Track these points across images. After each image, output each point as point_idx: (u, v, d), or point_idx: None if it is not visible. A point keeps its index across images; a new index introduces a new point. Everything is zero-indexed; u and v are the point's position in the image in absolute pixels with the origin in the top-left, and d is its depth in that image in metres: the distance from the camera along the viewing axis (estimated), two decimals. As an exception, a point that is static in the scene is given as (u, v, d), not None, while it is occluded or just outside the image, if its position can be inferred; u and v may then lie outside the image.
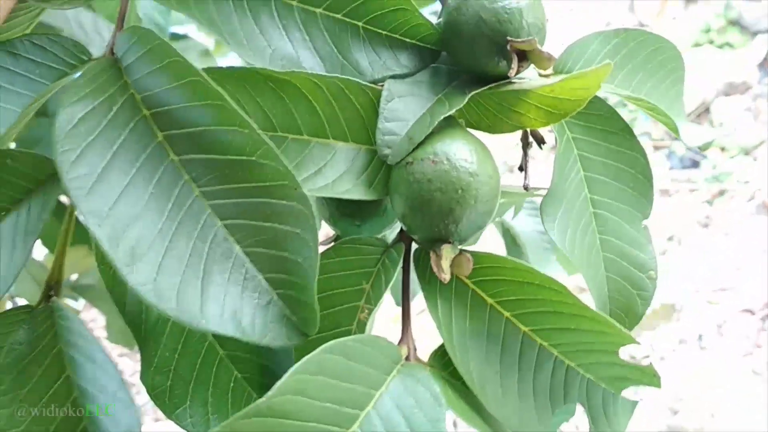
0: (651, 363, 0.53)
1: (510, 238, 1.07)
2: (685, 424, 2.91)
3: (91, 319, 3.40)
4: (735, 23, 4.57)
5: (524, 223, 1.04)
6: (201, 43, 1.42)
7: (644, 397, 3.07)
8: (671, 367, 3.18)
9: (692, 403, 2.99)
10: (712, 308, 3.40)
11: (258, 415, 0.41)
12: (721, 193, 4.00)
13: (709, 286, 3.53)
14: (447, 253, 0.50)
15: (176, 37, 1.38)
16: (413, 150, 0.51)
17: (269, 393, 0.41)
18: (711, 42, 4.54)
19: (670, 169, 4.24)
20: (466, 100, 0.51)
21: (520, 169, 0.64)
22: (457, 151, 0.50)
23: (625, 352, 0.54)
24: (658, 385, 0.53)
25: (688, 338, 3.30)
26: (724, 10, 4.59)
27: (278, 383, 0.42)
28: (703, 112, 4.39)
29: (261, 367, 0.56)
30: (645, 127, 4.37)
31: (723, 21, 4.56)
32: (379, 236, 0.61)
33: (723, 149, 4.20)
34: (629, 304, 0.63)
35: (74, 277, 1.48)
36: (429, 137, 0.51)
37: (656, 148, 4.36)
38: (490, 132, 0.56)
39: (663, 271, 3.42)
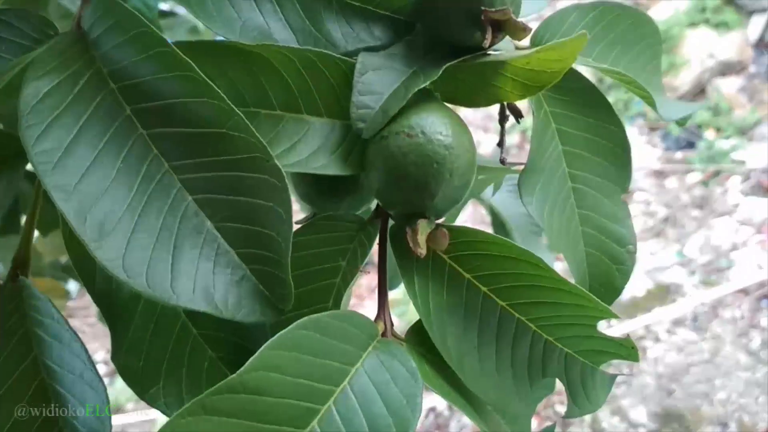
0: (628, 336, 0.52)
1: (498, 221, 1.06)
2: (680, 404, 2.92)
3: (86, 305, 3.40)
4: (731, 3, 4.57)
5: (512, 207, 1.04)
6: (190, 20, 1.40)
7: (639, 378, 3.08)
8: (666, 348, 3.19)
9: (687, 383, 3.00)
10: (708, 289, 3.40)
11: (230, 392, 0.40)
12: (717, 173, 4.00)
13: (704, 266, 3.53)
14: (423, 227, 0.49)
15: (165, 14, 1.37)
16: (388, 124, 0.50)
17: (242, 369, 0.41)
18: (707, 22, 4.53)
19: (665, 150, 4.24)
20: (441, 72, 0.50)
21: (499, 144, 0.63)
22: (433, 125, 0.50)
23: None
24: (636, 359, 0.53)
25: (683, 319, 3.31)
26: (720, -11, 4.59)
27: (251, 359, 0.41)
28: (698, 92, 4.38)
29: (236, 347, 0.55)
30: (640, 108, 4.37)
31: (719, 0, 4.54)
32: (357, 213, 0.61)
33: (718, 129, 4.20)
34: (608, 278, 0.63)
35: (64, 258, 1.48)
36: (404, 111, 0.50)
37: (651, 128, 4.35)
38: (466, 106, 0.56)
39: (658, 251, 3.43)
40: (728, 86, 4.35)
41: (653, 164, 4.14)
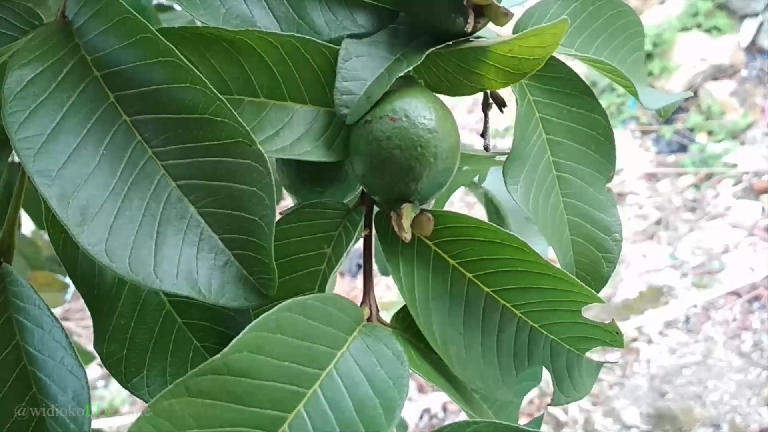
0: (613, 320, 0.53)
1: (492, 207, 1.04)
2: (672, 406, 2.92)
3: (82, 307, 3.39)
4: (722, 7, 4.58)
5: (507, 192, 1.02)
6: (188, 14, 1.39)
7: (632, 379, 3.08)
8: (659, 350, 3.19)
9: (680, 385, 3.00)
10: (699, 291, 3.41)
11: (214, 373, 0.40)
12: (709, 176, 4.01)
13: (697, 269, 3.54)
14: (407, 212, 0.50)
15: (162, 8, 1.36)
16: (372, 108, 0.50)
17: (225, 350, 0.41)
18: (699, 26, 4.54)
19: (657, 154, 4.24)
20: (423, 57, 0.50)
21: (482, 134, 0.63)
22: (416, 108, 0.50)
23: None
24: (621, 345, 0.53)
25: (676, 321, 3.31)
26: (712, -7, 4.60)
27: (234, 340, 0.41)
28: (690, 96, 4.39)
29: (221, 336, 0.55)
30: (633, 112, 4.38)
31: (711, 5, 4.56)
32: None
33: (710, 133, 4.21)
34: (595, 267, 0.63)
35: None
36: (388, 95, 0.50)
37: (644, 132, 4.36)
38: (449, 94, 0.56)
39: (650, 254, 3.43)
40: (720, 90, 4.36)
41: (646, 167, 4.15)
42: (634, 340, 3.25)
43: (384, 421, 0.42)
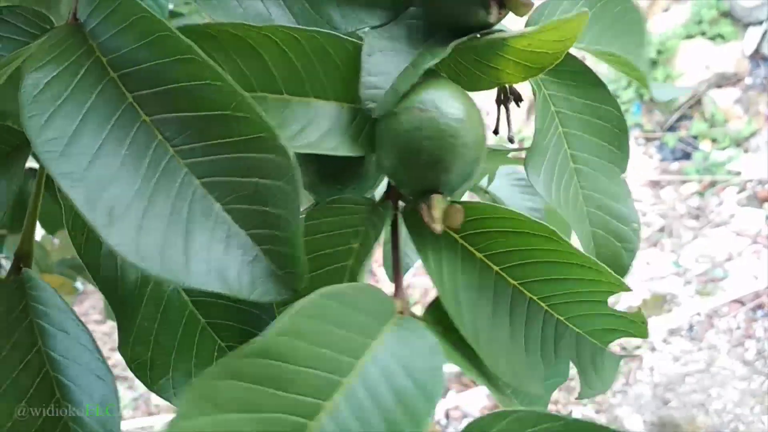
0: (639, 309, 0.52)
1: None
2: (676, 414, 2.90)
3: (84, 311, 3.38)
4: (727, 15, 4.60)
5: (514, 199, 1.03)
6: (195, 20, 1.40)
7: (635, 387, 3.07)
8: (662, 358, 3.18)
9: (683, 393, 2.99)
10: (703, 299, 3.41)
11: (255, 355, 0.39)
12: (712, 184, 4.01)
13: (700, 277, 3.53)
14: (438, 203, 0.49)
15: (175, 14, 1.37)
16: (399, 101, 0.50)
17: (267, 332, 0.40)
18: (703, 34, 4.56)
19: (661, 161, 4.25)
20: (449, 50, 0.50)
21: (495, 131, 0.63)
22: (444, 99, 0.50)
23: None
24: (645, 335, 0.53)
25: (679, 329, 3.31)
26: (716, 1, 4.61)
27: (276, 323, 0.40)
28: (694, 104, 4.40)
29: (245, 335, 0.55)
30: (636, 119, 4.38)
31: (715, 12, 4.57)
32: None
33: (714, 140, 4.22)
34: (615, 257, 0.63)
35: (69, 255, 1.49)
36: (413, 88, 0.50)
37: (648, 139, 4.37)
38: (468, 89, 0.55)
39: (654, 261, 3.43)
40: (724, 98, 4.38)
41: (649, 175, 4.15)
42: (638, 347, 3.24)
43: (423, 410, 0.42)
